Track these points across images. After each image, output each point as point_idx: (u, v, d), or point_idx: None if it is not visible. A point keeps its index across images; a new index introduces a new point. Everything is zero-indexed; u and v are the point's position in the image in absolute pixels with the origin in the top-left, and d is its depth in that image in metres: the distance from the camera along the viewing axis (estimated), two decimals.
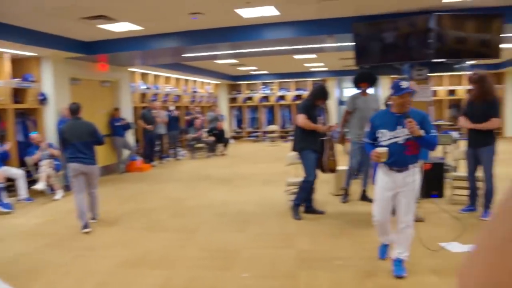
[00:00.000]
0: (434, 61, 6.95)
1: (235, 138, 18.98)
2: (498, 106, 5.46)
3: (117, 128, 10.53)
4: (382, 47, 7.38)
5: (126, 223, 5.94)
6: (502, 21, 6.68)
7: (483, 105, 5.37)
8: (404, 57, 7.38)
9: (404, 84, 3.64)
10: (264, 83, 19.07)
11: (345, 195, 6.56)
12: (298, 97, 18.10)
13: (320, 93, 5.74)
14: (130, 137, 11.16)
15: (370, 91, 6.62)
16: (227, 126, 18.18)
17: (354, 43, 7.45)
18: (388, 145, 3.73)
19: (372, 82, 6.41)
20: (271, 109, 19.12)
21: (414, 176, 3.74)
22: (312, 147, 5.70)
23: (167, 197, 7.62)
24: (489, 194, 5.50)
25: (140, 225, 5.84)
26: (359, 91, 6.48)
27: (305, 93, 17.00)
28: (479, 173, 5.65)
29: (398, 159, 3.71)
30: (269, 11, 7.14)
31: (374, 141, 3.83)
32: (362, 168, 6.64)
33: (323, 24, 7.81)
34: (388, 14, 7.47)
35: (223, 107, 18.74)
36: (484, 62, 12.87)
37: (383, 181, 3.82)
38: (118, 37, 8.44)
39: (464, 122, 5.56)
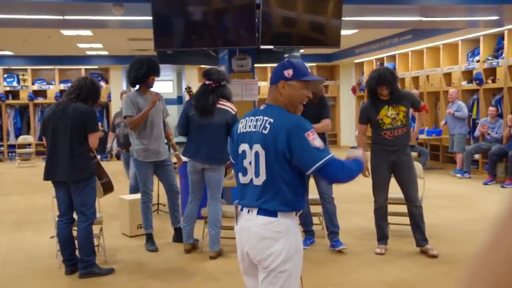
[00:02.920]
0: (261, 48, 7.47)
1: None
2: (328, 106, 6.28)
3: None
4: (187, 27, 7.59)
5: None
6: (340, 0, 7.53)
7: (314, 105, 6.00)
8: (218, 41, 7.75)
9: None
10: (8, 70, 17.87)
11: (151, 242, 6.53)
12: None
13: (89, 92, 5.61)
14: None
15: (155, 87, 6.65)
16: None
17: (152, 18, 7.51)
18: None
19: (157, 74, 6.47)
20: (21, 111, 18.00)
21: None
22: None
23: None
24: (333, 215, 6.24)
25: None
26: (135, 88, 6.56)
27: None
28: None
29: None
30: None
31: None
32: (169, 195, 6.75)
33: None
34: None
35: None
36: (316, 51, 14.36)
37: (301, 246, 3.28)
38: None
39: None
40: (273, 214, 2.99)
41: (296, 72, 3.12)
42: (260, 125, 3.07)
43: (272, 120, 3.04)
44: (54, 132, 5.47)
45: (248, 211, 3.06)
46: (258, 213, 3.02)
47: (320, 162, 2.95)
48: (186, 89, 7.02)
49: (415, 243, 6.11)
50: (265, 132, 3.03)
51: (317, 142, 2.95)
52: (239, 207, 3.14)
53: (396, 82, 6.06)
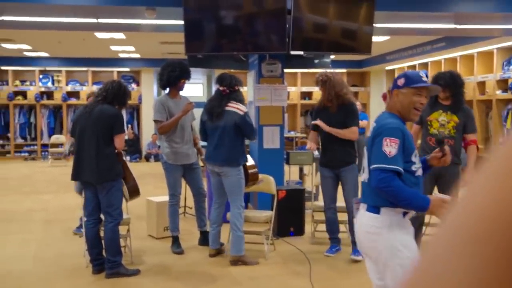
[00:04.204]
0: (292, 53, 7.46)
1: None
2: (356, 113, 6.26)
3: None
4: (218, 31, 7.64)
5: None
6: (372, 7, 7.49)
7: (338, 112, 5.99)
8: (248, 46, 7.77)
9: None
10: (44, 71, 18.17)
11: (177, 244, 6.58)
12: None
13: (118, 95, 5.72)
14: None
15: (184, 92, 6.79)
16: None
17: (184, 22, 7.57)
18: (419, 176, 3.41)
19: (188, 77, 6.60)
20: (55, 111, 18.29)
21: None
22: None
23: None
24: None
25: None
26: (165, 92, 6.68)
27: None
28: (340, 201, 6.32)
29: None
30: None
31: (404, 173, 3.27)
32: (196, 198, 6.78)
33: None
34: None
35: None
36: (346, 58, 14.28)
37: (411, 241, 3.36)
38: None
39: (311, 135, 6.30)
40: (376, 210, 3.25)
41: (407, 80, 3.43)
42: (372, 128, 3.45)
43: (375, 125, 3.41)
44: (81, 133, 5.58)
45: (364, 206, 3.35)
46: (366, 209, 3.31)
47: (374, 166, 3.22)
48: None
49: None
50: (369, 134, 3.42)
51: (388, 149, 3.17)
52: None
53: (458, 87, 5.79)
